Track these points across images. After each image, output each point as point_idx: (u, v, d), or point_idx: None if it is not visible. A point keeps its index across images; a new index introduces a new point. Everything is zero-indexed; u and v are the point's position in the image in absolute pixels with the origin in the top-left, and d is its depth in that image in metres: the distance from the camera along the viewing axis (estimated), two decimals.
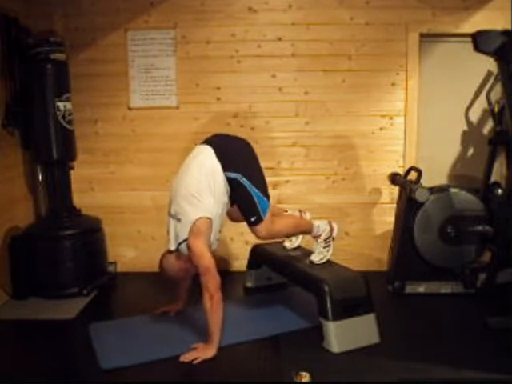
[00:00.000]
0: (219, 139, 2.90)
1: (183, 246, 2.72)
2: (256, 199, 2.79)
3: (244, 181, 2.76)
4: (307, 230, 3.19)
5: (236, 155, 2.83)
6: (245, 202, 2.83)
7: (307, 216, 3.37)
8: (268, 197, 2.89)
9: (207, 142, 2.86)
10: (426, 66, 4.04)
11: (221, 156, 2.75)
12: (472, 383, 2.44)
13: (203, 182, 2.70)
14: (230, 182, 2.76)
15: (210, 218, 2.69)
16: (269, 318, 3.18)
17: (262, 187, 2.86)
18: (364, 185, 4.11)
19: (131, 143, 4.10)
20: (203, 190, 2.69)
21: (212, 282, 2.60)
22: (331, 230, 3.19)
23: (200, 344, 2.69)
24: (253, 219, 2.83)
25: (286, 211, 3.37)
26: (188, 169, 2.77)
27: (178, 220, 2.72)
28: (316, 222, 3.19)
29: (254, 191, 2.78)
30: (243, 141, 2.98)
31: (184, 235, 2.68)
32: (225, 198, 2.81)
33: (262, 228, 2.86)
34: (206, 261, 2.62)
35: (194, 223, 2.64)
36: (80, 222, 3.74)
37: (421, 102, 4.01)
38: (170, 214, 2.81)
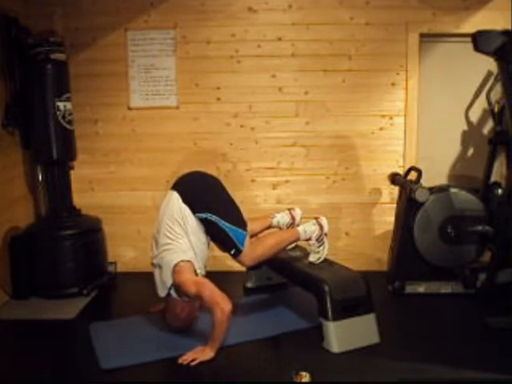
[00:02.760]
0: (184, 182, 2.93)
1: (173, 292, 2.77)
2: (230, 233, 2.82)
3: (214, 218, 2.79)
4: (294, 240, 3.16)
5: (202, 195, 2.86)
6: (220, 238, 2.88)
7: (297, 213, 3.35)
8: (244, 226, 2.90)
9: (174, 186, 2.91)
10: (426, 66, 4.05)
11: (187, 199, 2.80)
12: (472, 383, 2.44)
13: (175, 226, 2.77)
14: (202, 221, 2.81)
15: (189, 261, 2.74)
16: (269, 318, 3.18)
17: (235, 219, 2.87)
18: (364, 185, 4.11)
19: (131, 143, 4.10)
20: (176, 234, 2.77)
21: (219, 298, 2.61)
22: (320, 227, 3.14)
23: (199, 346, 2.68)
24: (232, 252, 2.87)
25: (273, 216, 3.35)
26: (161, 219, 2.84)
27: (160, 267, 2.78)
28: (301, 228, 3.13)
29: (226, 226, 2.81)
30: (209, 177, 3.01)
31: (169, 280, 2.73)
32: (203, 239, 2.87)
33: (244, 258, 2.89)
34: (203, 284, 2.65)
35: (174, 269, 2.70)
36: (80, 222, 3.74)
37: (421, 102, 4.02)
38: (152, 264, 2.88)
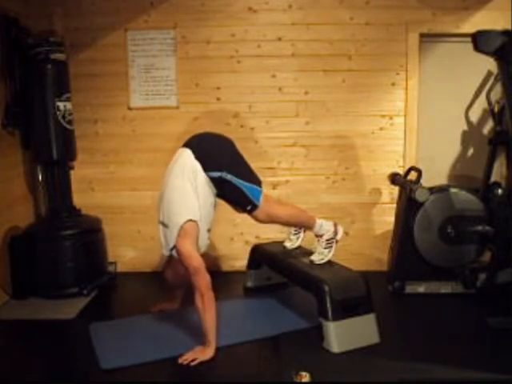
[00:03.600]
0: (197, 140, 2.90)
1: (174, 252, 2.75)
2: (246, 190, 2.83)
3: (229, 177, 2.79)
4: (309, 225, 3.18)
5: (216, 154, 2.84)
6: (236, 197, 2.87)
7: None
8: (259, 183, 2.91)
9: (186, 144, 2.88)
10: (426, 66, 4.05)
11: (200, 156, 2.76)
12: (472, 383, 2.44)
13: (186, 185, 2.72)
14: (215, 181, 2.78)
15: (195, 221, 2.70)
16: (269, 317, 3.18)
17: (250, 177, 2.88)
18: (364, 185, 4.11)
19: (131, 143, 4.10)
20: (187, 193, 2.71)
21: (202, 281, 2.61)
22: (335, 232, 3.18)
23: (199, 346, 2.68)
24: (248, 208, 2.88)
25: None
26: (170, 175, 2.79)
27: (166, 226, 2.75)
28: (320, 221, 3.17)
29: (241, 184, 2.81)
30: (222, 137, 2.99)
31: (173, 240, 2.70)
32: (210, 199, 2.83)
33: (259, 213, 2.91)
34: (195, 261, 2.63)
35: (181, 227, 2.66)
36: (80, 222, 3.74)
37: (421, 102, 4.01)
38: (159, 221, 2.84)
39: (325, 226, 3.16)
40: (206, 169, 2.75)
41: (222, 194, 2.88)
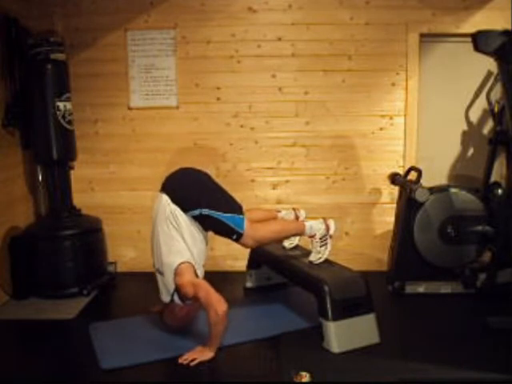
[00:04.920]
0: (172, 183, 2.91)
1: (176, 298, 2.77)
2: (227, 221, 2.82)
3: (207, 212, 2.79)
4: (298, 232, 3.18)
5: (191, 192, 2.85)
6: (219, 228, 2.88)
7: (301, 214, 3.38)
8: (240, 211, 2.89)
9: (162, 188, 2.90)
10: (426, 66, 4.05)
11: (176, 200, 2.79)
12: (472, 383, 2.44)
13: (171, 231, 2.76)
14: (196, 218, 2.80)
15: (188, 262, 2.74)
16: (269, 317, 3.18)
17: (229, 207, 2.87)
18: (364, 185, 4.11)
19: (131, 143, 4.10)
20: (173, 238, 2.76)
21: (213, 299, 2.60)
22: (327, 228, 3.15)
23: (199, 346, 2.69)
24: (234, 237, 2.88)
25: (279, 211, 3.37)
26: (155, 223, 2.84)
27: (162, 274, 2.79)
28: (308, 223, 3.15)
29: (222, 216, 2.81)
30: (196, 173, 2.99)
31: (172, 286, 2.73)
32: (200, 236, 2.86)
33: (246, 240, 2.90)
34: (199, 285, 2.66)
35: (175, 271, 2.71)
36: (80, 222, 3.74)
37: (421, 102, 4.02)
38: (155, 268, 2.89)
39: (315, 226, 3.14)
40: (185, 210, 2.78)
41: (207, 229, 2.90)
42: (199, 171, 3.01)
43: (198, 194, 2.85)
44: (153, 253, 2.89)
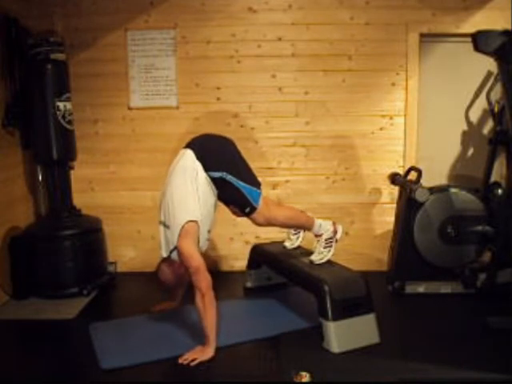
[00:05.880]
0: (199, 141, 2.91)
1: (174, 254, 2.75)
2: (245, 192, 2.83)
3: (230, 178, 2.79)
4: (307, 226, 3.19)
5: (217, 154, 2.85)
6: (235, 198, 2.87)
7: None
8: (258, 185, 2.92)
9: (188, 145, 2.89)
10: (426, 66, 4.05)
11: (201, 157, 2.78)
12: (472, 383, 2.44)
13: (188, 186, 2.73)
14: (215, 181, 2.79)
15: (196, 221, 2.71)
16: (269, 317, 3.18)
17: (250, 179, 2.89)
18: (364, 185, 4.11)
19: (131, 143, 4.10)
20: (188, 194, 2.73)
21: (203, 281, 2.61)
22: (334, 231, 3.18)
23: (199, 346, 2.68)
24: (247, 210, 2.89)
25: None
26: (172, 175, 2.80)
27: (167, 227, 2.76)
28: (319, 221, 3.18)
29: (241, 185, 2.82)
30: (224, 138, 3.00)
31: (174, 242, 2.71)
32: (211, 200, 2.84)
33: (258, 216, 2.91)
34: (196, 261, 2.63)
35: (182, 227, 2.67)
36: (80, 222, 3.74)
37: (421, 102, 4.02)
38: (159, 221, 2.85)
39: (324, 226, 3.17)
40: (207, 169, 2.76)
41: (221, 195, 2.89)
42: (228, 138, 3.01)
43: (224, 157, 2.85)
44: (161, 206, 2.84)
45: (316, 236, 3.20)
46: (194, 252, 2.66)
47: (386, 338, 2.84)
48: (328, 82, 4.00)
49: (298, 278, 3.16)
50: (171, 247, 2.74)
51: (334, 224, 3.20)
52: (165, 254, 2.82)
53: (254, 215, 2.90)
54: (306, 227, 3.22)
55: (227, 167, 2.80)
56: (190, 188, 2.73)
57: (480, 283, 3.48)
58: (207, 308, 2.60)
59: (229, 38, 3.96)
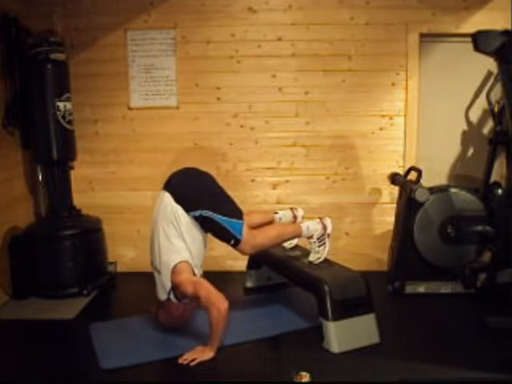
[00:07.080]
0: (175, 181, 2.90)
1: (172, 296, 2.77)
2: (227, 225, 2.81)
3: (209, 214, 2.78)
4: (296, 235, 3.17)
5: (194, 193, 2.85)
6: (217, 232, 2.87)
7: (299, 212, 3.37)
8: (239, 216, 2.88)
9: (165, 186, 2.89)
10: (426, 66, 4.04)
11: (179, 199, 2.79)
12: (472, 383, 2.44)
13: (171, 230, 2.76)
14: (197, 219, 2.80)
15: (186, 261, 2.74)
16: (269, 317, 3.18)
17: (230, 211, 2.87)
18: (364, 185, 4.11)
19: (131, 143, 4.10)
20: (172, 237, 2.76)
21: (215, 297, 2.61)
22: (324, 227, 3.15)
23: (199, 346, 2.69)
24: (232, 243, 2.87)
25: (277, 212, 3.35)
26: (157, 220, 2.83)
27: (159, 272, 2.79)
28: (304, 224, 3.14)
29: (222, 220, 2.80)
30: (200, 174, 2.98)
31: (168, 284, 2.73)
32: (199, 237, 2.86)
33: (244, 246, 2.88)
34: (199, 283, 2.66)
35: (173, 271, 2.71)
36: (80, 222, 3.74)
37: (421, 102, 4.01)
38: (152, 266, 2.88)
39: (311, 227, 3.13)
40: (187, 210, 2.78)
41: (206, 231, 2.90)
42: (203, 172, 3.00)
43: (201, 194, 2.85)
44: (151, 250, 2.89)
45: (308, 238, 3.18)
46: (192, 277, 2.71)
47: (386, 337, 2.84)
48: (328, 82, 4.00)
49: (297, 278, 3.16)
50: (168, 289, 2.76)
51: (321, 220, 3.17)
52: (163, 297, 2.82)
53: (240, 246, 2.87)
54: (295, 236, 3.20)
55: (204, 204, 2.79)
56: (174, 232, 2.76)
57: (480, 283, 3.47)
58: (222, 319, 2.59)
59: (229, 38, 3.96)
